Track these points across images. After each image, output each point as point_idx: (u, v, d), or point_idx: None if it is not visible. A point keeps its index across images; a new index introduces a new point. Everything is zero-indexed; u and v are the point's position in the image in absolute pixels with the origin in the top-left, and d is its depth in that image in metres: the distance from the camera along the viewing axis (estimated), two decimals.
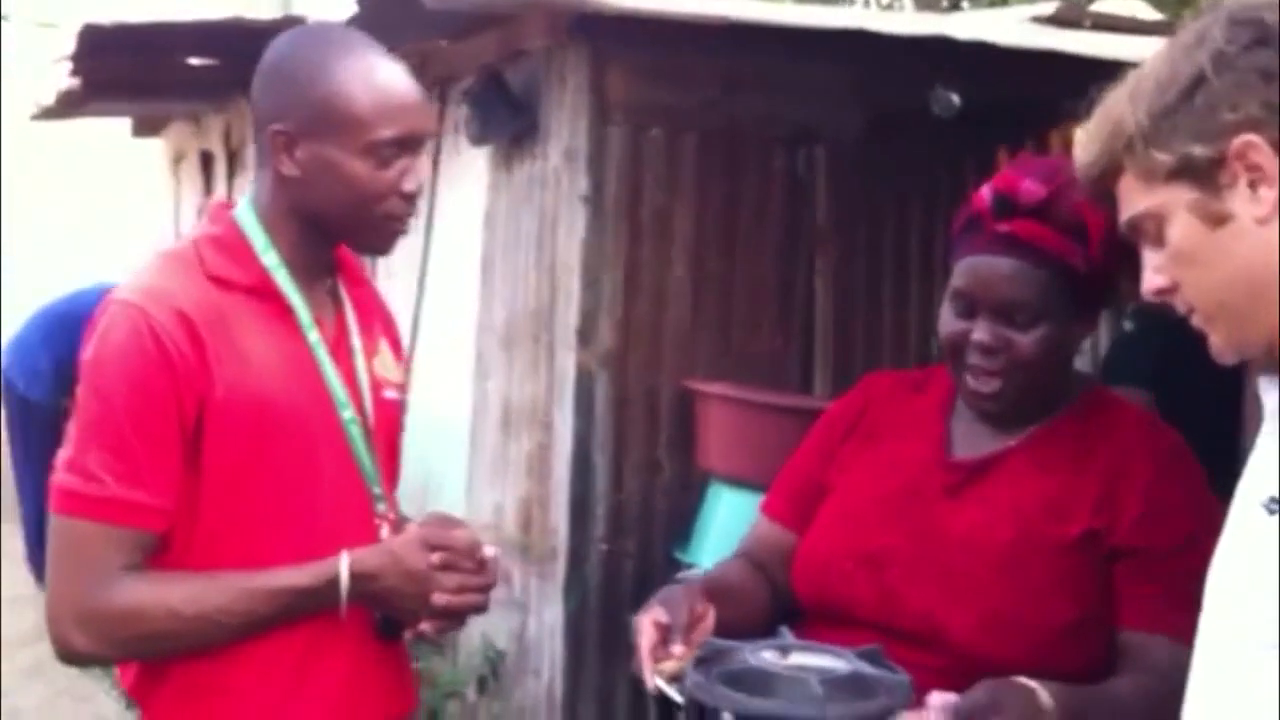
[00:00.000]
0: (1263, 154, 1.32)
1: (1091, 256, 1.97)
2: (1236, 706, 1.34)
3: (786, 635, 1.93)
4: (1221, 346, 1.43)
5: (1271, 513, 1.31)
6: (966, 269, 2.02)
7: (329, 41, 2.11)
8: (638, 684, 1.88)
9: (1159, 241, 1.41)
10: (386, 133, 2.04)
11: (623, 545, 3.88)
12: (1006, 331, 1.99)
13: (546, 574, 3.96)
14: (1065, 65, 2.28)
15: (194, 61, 5.75)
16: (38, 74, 8.21)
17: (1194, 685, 1.42)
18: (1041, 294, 1.97)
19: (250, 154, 8.22)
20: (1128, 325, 3.94)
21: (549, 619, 3.95)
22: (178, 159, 11.18)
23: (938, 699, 1.72)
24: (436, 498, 4.16)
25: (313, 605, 2.04)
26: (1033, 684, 1.76)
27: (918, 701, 1.75)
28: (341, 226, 2.10)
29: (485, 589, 2.11)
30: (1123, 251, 2.02)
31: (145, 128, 11.35)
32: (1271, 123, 1.32)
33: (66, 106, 8.02)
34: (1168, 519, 1.95)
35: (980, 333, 1.99)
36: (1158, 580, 1.93)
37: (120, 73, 6.25)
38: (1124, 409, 2.14)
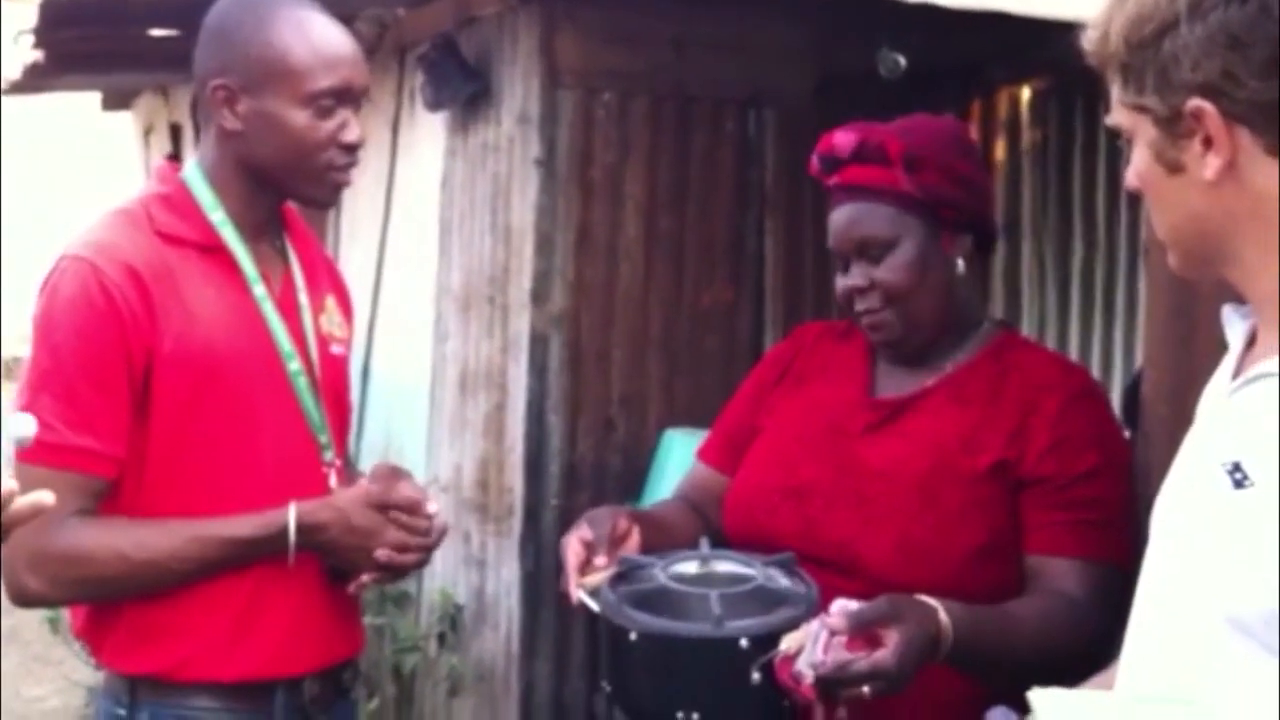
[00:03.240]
0: (1214, 123, 1.29)
1: (917, 177, 2.10)
2: (1182, 679, 1.32)
3: (704, 546, 2.01)
4: (1175, 268, 1.44)
5: (1239, 484, 1.27)
6: (829, 229, 2.18)
7: (266, 1, 2.17)
8: (593, 635, 1.96)
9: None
10: (323, 83, 2.10)
11: (577, 502, 3.87)
12: (871, 269, 2.12)
13: (503, 532, 4.00)
14: (1012, 26, 2.33)
15: (156, 33, 5.75)
16: (4, 48, 8.20)
17: (1132, 639, 1.42)
18: (884, 225, 2.11)
19: None
20: None
21: (506, 575, 3.99)
22: (148, 131, 11.16)
23: (838, 605, 1.78)
24: (398, 458, 4.19)
25: (261, 553, 2.10)
26: (933, 601, 1.83)
27: (822, 611, 1.81)
28: (284, 179, 2.16)
29: (426, 548, 2.19)
30: (955, 169, 2.14)
31: (115, 101, 11.32)
32: (1228, 92, 1.28)
33: (33, 80, 8.00)
34: (1073, 450, 2.03)
35: (851, 278, 2.14)
36: (1060, 508, 2.02)
37: (84, 45, 6.25)
38: (1037, 350, 2.26)
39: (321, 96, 2.11)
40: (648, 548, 2.06)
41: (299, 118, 2.11)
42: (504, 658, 3.99)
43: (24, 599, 2.09)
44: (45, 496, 1.47)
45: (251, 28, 2.12)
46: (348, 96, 2.14)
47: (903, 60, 3.90)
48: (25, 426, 1.51)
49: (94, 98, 11.63)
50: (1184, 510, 1.36)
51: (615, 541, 2.03)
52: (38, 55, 6.54)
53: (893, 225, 2.11)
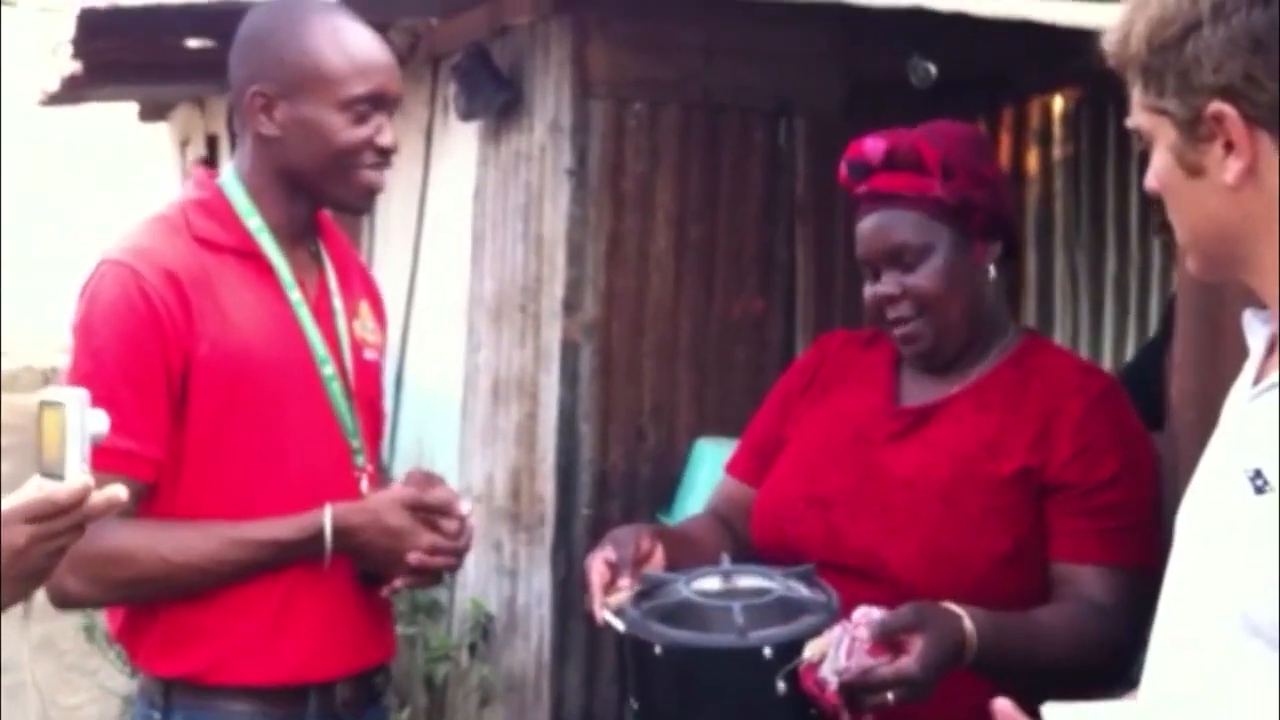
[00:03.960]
0: (1235, 127, 1.29)
1: (950, 183, 2.09)
2: (1199, 679, 1.33)
3: (725, 561, 2.01)
4: (1194, 272, 1.44)
5: (1259, 490, 1.28)
6: (857, 238, 2.17)
7: (300, 8, 2.20)
8: (623, 645, 1.97)
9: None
10: (359, 89, 2.13)
11: (608, 511, 3.92)
12: (903, 277, 2.10)
13: (535, 541, 4.02)
14: (1042, 35, 2.34)
15: (192, 43, 5.82)
16: (41, 59, 8.29)
17: (1154, 640, 1.42)
18: (916, 231, 2.10)
19: None
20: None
21: (537, 584, 4.01)
22: (184, 143, 11.26)
23: (861, 613, 1.78)
24: (430, 467, 4.19)
25: (296, 555, 2.12)
26: (958, 608, 1.84)
27: (844, 618, 1.81)
28: (320, 184, 2.18)
29: (458, 551, 2.20)
30: (983, 173, 2.14)
31: (151, 113, 11.44)
32: (1249, 96, 1.28)
33: (71, 91, 8.09)
34: (1096, 457, 2.03)
35: (883, 286, 2.12)
36: (1085, 515, 2.02)
37: (120, 56, 6.33)
38: (1059, 354, 2.25)
39: (358, 102, 2.13)
40: (673, 564, 2.06)
41: (336, 122, 2.13)
42: (535, 667, 4.01)
43: (64, 600, 2.11)
44: (120, 492, 1.50)
45: (287, 35, 2.15)
46: (383, 102, 2.17)
47: (933, 69, 3.91)
48: (100, 423, 1.52)
49: (131, 109, 11.75)
50: (1205, 514, 1.36)
51: (639, 561, 2.02)
52: (75, 66, 6.62)
53: (925, 232, 2.10)
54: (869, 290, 2.17)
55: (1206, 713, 1.31)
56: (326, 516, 2.12)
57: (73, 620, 4.71)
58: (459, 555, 2.20)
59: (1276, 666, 1.24)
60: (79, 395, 1.51)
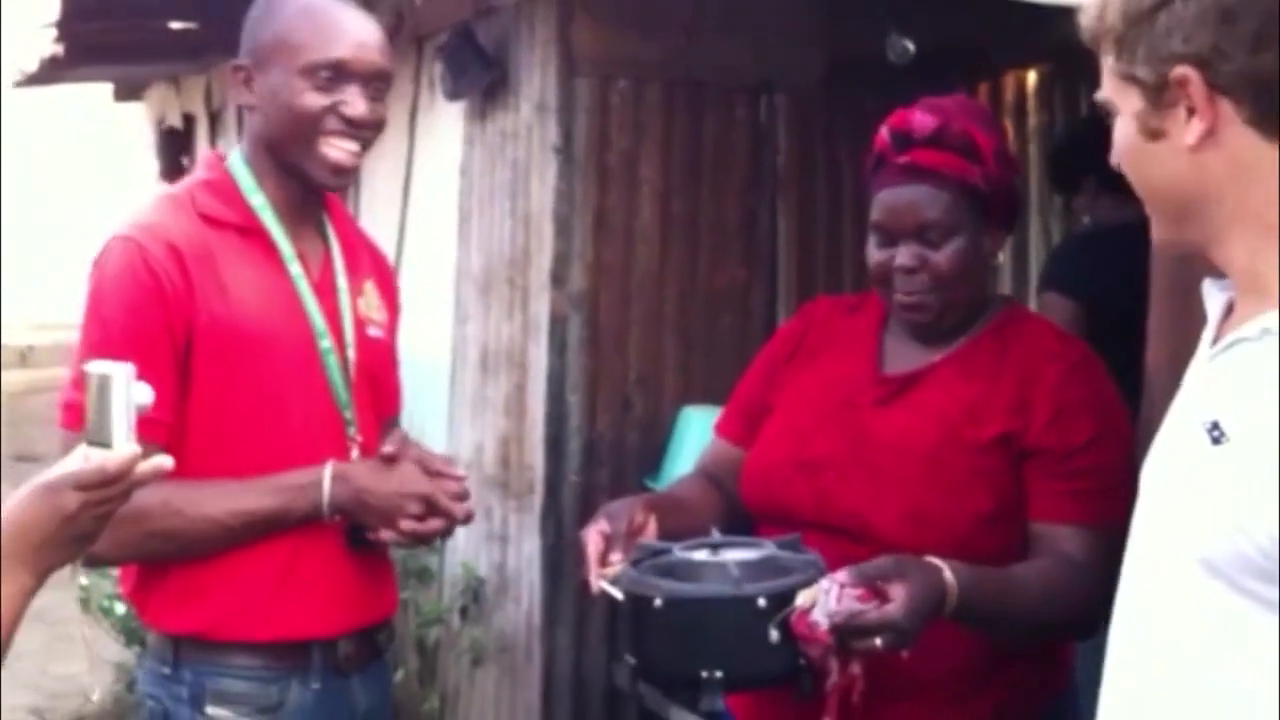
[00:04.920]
0: (1198, 91, 1.36)
1: (988, 172, 2.15)
2: (1162, 621, 1.42)
3: (715, 534, 2.09)
4: (1157, 240, 1.51)
5: (1216, 441, 1.36)
6: (880, 203, 2.20)
7: None
8: (611, 608, 2.04)
9: None
10: (319, 56, 2.19)
11: (596, 478, 3.99)
12: (924, 251, 2.15)
13: (524, 507, 4.09)
14: (1017, 11, 2.41)
15: (175, 25, 5.86)
16: (20, 40, 8.29)
17: (1121, 586, 1.51)
18: (948, 212, 2.14)
19: (231, 115, 8.31)
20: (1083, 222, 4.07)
21: (527, 549, 4.08)
22: (160, 121, 11.23)
23: (846, 570, 1.88)
24: (420, 437, 4.28)
25: (298, 506, 2.20)
26: (939, 561, 1.92)
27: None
28: (289, 155, 2.24)
29: (458, 512, 2.27)
30: (1015, 166, 2.24)
31: (126, 92, 11.41)
32: (1215, 65, 1.35)
33: (50, 72, 8.10)
34: (1073, 422, 2.11)
35: (901, 257, 2.16)
36: (1063, 477, 2.10)
37: (103, 37, 6.36)
38: (1037, 322, 2.33)
39: (318, 68, 2.20)
40: (666, 532, 2.13)
41: (297, 87, 2.20)
42: (525, 630, 4.09)
43: (88, 559, 2.19)
44: (166, 461, 1.57)
45: (265, 12, 2.27)
46: (345, 70, 2.21)
47: (911, 46, 3.97)
48: (145, 395, 1.57)
49: (105, 89, 11.72)
50: (1167, 466, 1.46)
51: (632, 534, 2.09)
52: (56, 47, 6.65)
53: (955, 214, 2.14)
54: (878, 255, 2.20)
55: (1172, 652, 1.40)
56: (327, 466, 2.22)
57: (68, 591, 4.78)
58: (460, 518, 2.28)
59: (1235, 603, 1.34)
60: (125, 368, 1.56)
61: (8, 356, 13.05)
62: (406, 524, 2.22)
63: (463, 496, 2.27)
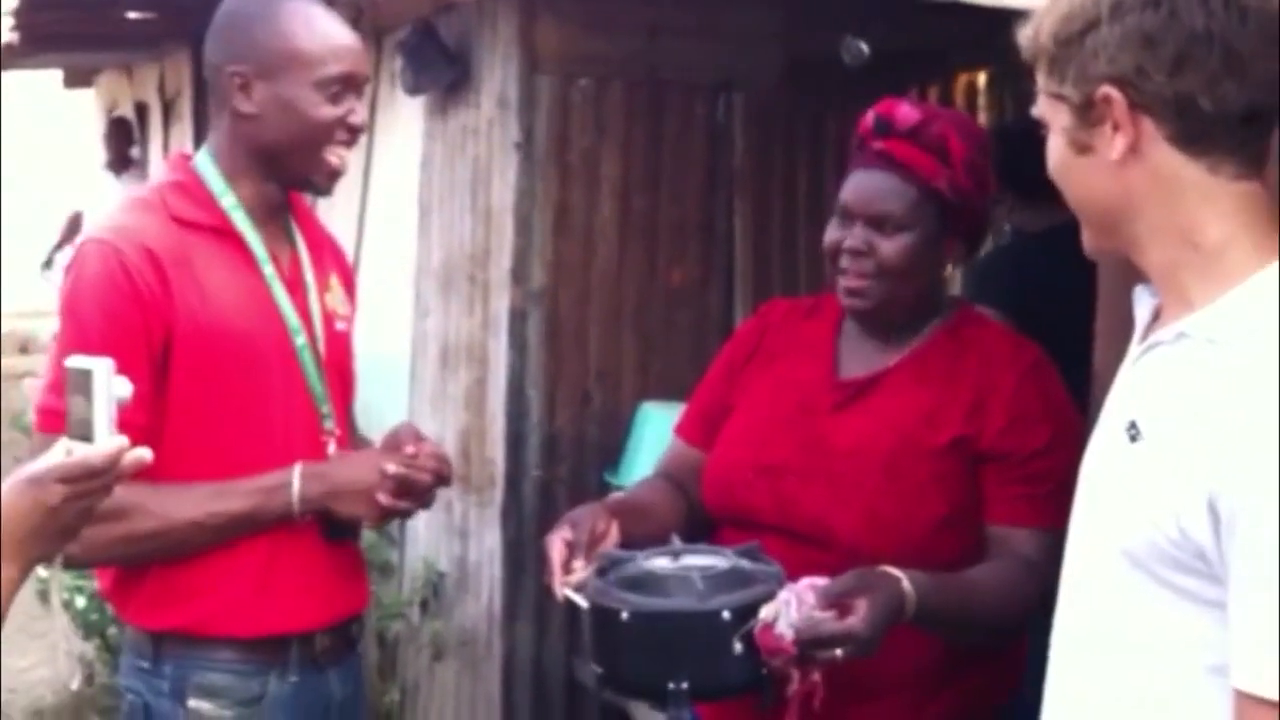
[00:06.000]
0: (1120, 109, 1.44)
1: (956, 180, 2.18)
2: (1093, 611, 1.51)
3: (675, 541, 2.12)
4: (1087, 246, 1.59)
5: (1133, 439, 1.45)
6: (849, 183, 2.24)
7: None
8: (571, 603, 2.07)
9: None
10: (333, 70, 2.26)
11: (556, 472, 4.03)
12: (875, 238, 2.19)
13: (485, 502, 4.12)
14: (972, 14, 2.46)
15: (133, 16, 5.84)
16: None
17: (1062, 585, 1.59)
18: (908, 207, 2.18)
19: (185, 105, 8.27)
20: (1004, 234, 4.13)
21: (488, 543, 4.12)
22: (110, 109, 11.15)
23: (806, 582, 1.92)
24: (379, 431, 4.32)
25: (273, 502, 2.24)
26: (897, 572, 1.96)
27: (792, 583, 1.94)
28: (291, 162, 2.29)
29: (422, 498, 2.32)
30: (987, 183, 2.28)
31: (76, 79, 11.33)
32: (1137, 85, 1.43)
33: (2, 60, 8.04)
34: (1028, 427, 2.16)
35: (851, 239, 2.20)
36: (1018, 481, 2.16)
37: (59, 25, 6.33)
38: (991, 326, 2.36)
39: (332, 82, 2.26)
40: (629, 536, 2.17)
41: (313, 100, 2.26)
42: (486, 623, 4.12)
43: (66, 560, 2.22)
44: (146, 454, 1.59)
45: (264, 19, 2.28)
46: (352, 83, 2.30)
47: (866, 48, 4.03)
48: (124, 389, 1.60)
49: (55, 76, 11.62)
50: (1095, 465, 1.55)
51: (593, 543, 2.12)
52: (12, 36, 6.61)
53: (913, 211, 2.18)
54: (834, 233, 2.23)
55: (1103, 641, 1.49)
56: (296, 467, 2.26)
57: (27, 585, 4.77)
58: (437, 479, 2.32)
59: (1154, 592, 1.42)
60: (105, 363, 1.59)
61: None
62: (384, 498, 2.27)
63: (442, 475, 2.32)
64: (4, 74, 10.23)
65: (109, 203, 2.38)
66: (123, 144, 9.11)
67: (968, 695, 2.21)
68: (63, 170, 11.01)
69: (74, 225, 9.50)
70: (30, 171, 13.68)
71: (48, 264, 10.02)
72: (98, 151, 9.47)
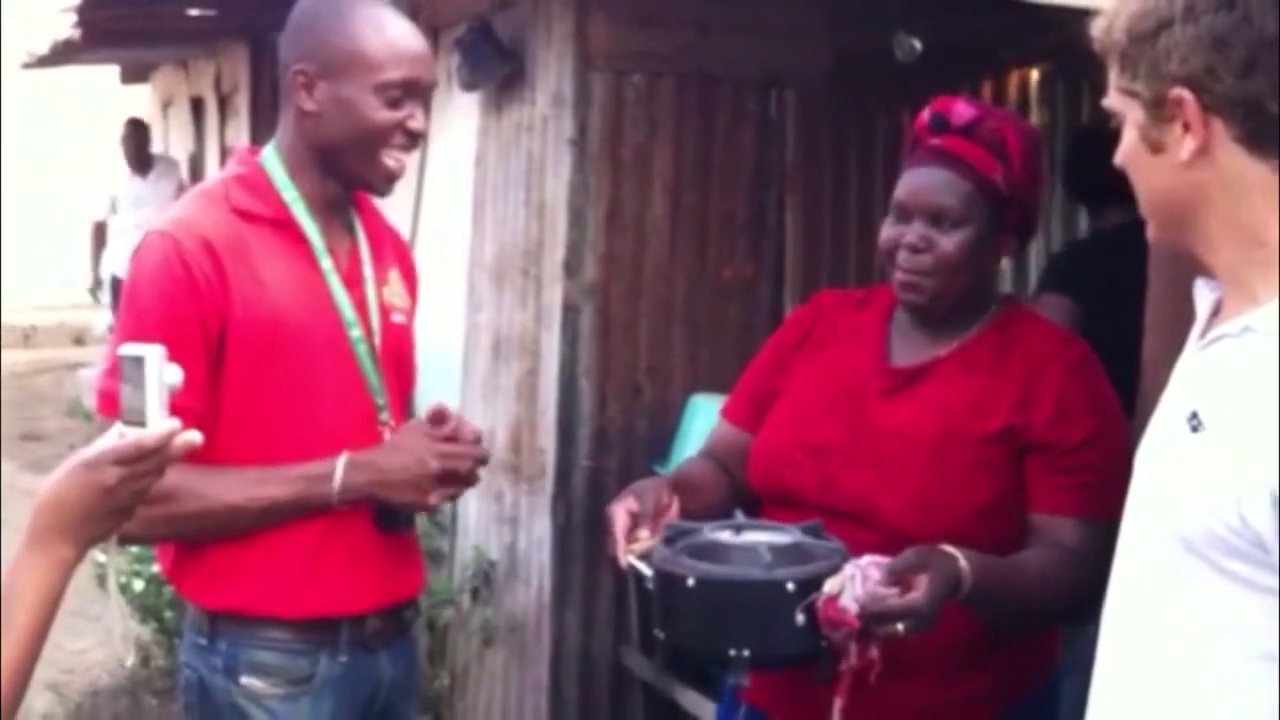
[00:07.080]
0: (1191, 111, 1.47)
1: (1011, 175, 2.22)
2: (1148, 598, 1.53)
3: (739, 516, 2.19)
4: (1152, 239, 1.63)
5: (1194, 429, 1.47)
6: (905, 180, 2.27)
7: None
8: (619, 590, 2.11)
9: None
10: (394, 75, 2.30)
11: (606, 463, 4.08)
12: (932, 233, 2.22)
13: (535, 491, 4.18)
14: (1022, 10, 2.48)
15: (193, 12, 5.92)
16: (29, 23, 8.34)
17: (1115, 573, 1.62)
18: (965, 202, 2.21)
19: (242, 100, 8.36)
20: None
21: (538, 532, 4.17)
22: (166, 104, 11.29)
23: (869, 559, 1.97)
24: None
25: (316, 488, 2.29)
26: (954, 550, 2.01)
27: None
28: (348, 161, 2.34)
29: (476, 461, 2.35)
30: (1039, 178, 2.31)
31: (133, 75, 11.48)
32: (1208, 87, 1.46)
33: (60, 56, 8.15)
34: (1073, 419, 2.20)
35: (910, 235, 2.23)
36: (1062, 472, 2.19)
37: (119, 22, 6.42)
38: (1039, 322, 2.40)
39: (392, 87, 2.30)
40: (686, 511, 2.21)
41: (371, 103, 2.30)
42: (535, 611, 4.18)
43: (120, 537, 2.29)
44: (196, 437, 1.64)
45: (332, 20, 2.33)
46: (416, 90, 2.33)
47: (918, 44, 4.05)
48: (175, 375, 1.64)
49: (112, 71, 11.77)
50: (1153, 454, 1.58)
51: (659, 514, 2.17)
52: (73, 31, 6.71)
53: (970, 206, 2.21)
54: (890, 230, 2.27)
55: (1158, 628, 1.52)
56: (342, 457, 2.31)
57: (82, 568, 4.86)
58: (478, 464, 2.36)
59: (1210, 579, 1.45)
60: (157, 350, 1.64)
61: (11, 337, 13.12)
62: (434, 498, 2.33)
63: (483, 460, 2.37)
64: (63, 69, 10.35)
65: (127, 202, 2.43)
66: (140, 145, 9.05)
67: (1001, 676, 2.25)
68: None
69: (99, 234, 9.57)
70: (85, 171, 13.86)
71: (96, 285, 10.08)
72: (117, 155, 9.34)
